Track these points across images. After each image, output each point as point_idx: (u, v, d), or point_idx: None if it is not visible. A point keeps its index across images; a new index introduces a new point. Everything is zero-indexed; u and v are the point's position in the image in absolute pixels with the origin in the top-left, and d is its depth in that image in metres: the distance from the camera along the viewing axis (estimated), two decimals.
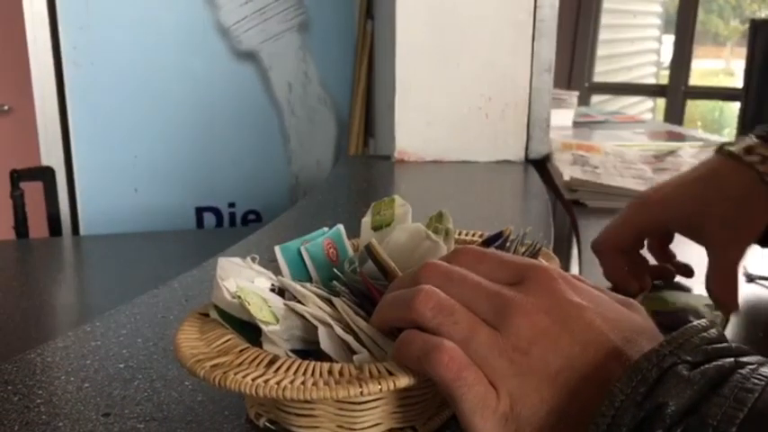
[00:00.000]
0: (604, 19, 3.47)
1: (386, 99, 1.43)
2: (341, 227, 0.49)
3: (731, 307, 0.55)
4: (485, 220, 0.92)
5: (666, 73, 3.41)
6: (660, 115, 3.44)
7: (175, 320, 0.56)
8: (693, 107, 3.51)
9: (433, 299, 0.33)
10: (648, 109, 3.70)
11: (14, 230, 1.71)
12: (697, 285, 0.60)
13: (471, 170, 1.27)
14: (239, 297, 0.38)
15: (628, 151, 1.23)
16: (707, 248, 0.55)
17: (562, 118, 1.67)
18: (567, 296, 0.33)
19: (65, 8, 1.77)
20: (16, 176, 1.71)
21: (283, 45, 1.98)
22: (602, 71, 3.56)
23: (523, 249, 0.46)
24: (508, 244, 0.45)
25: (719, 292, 0.54)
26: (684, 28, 3.26)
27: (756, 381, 0.27)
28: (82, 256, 1.65)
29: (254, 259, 0.44)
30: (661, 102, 3.48)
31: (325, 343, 0.37)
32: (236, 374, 0.34)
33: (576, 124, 1.74)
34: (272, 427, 0.39)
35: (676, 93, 3.30)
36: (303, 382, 0.33)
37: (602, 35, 3.49)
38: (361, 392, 0.33)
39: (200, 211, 2.01)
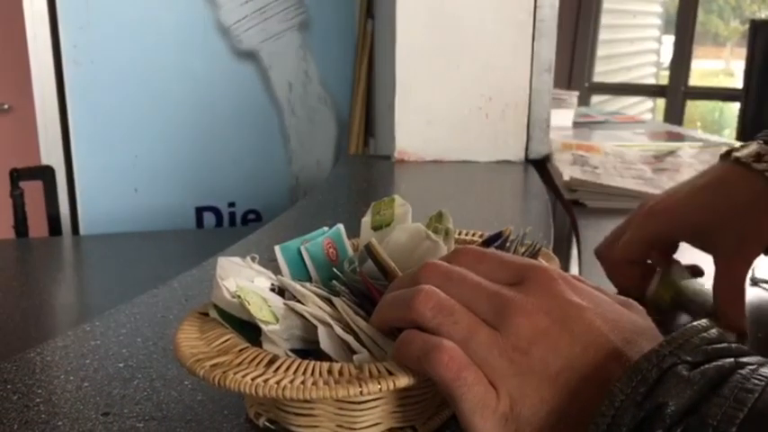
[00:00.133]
0: (604, 19, 3.47)
1: (386, 99, 1.43)
2: (341, 226, 0.49)
3: (738, 322, 0.53)
4: (485, 220, 0.92)
5: (666, 73, 3.41)
6: (660, 116, 3.44)
7: (175, 320, 0.56)
8: (693, 107, 3.51)
9: (433, 299, 0.33)
10: (648, 109, 3.70)
11: (14, 230, 1.71)
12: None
13: (471, 170, 1.27)
14: (239, 296, 0.38)
15: (628, 151, 1.23)
16: (715, 259, 0.54)
17: (562, 118, 1.67)
18: (567, 296, 0.33)
19: (65, 7, 1.77)
20: (16, 176, 1.71)
21: (284, 44, 1.98)
22: (602, 71, 3.56)
23: (523, 249, 0.46)
24: (508, 244, 0.45)
25: (726, 305, 0.53)
26: (684, 28, 3.26)
27: (756, 381, 0.27)
28: (82, 256, 1.64)
29: (253, 259, 0.44)
30: (661, 102, 3.48)
31: (324, 343, 0.37)
32: (235, 374, 0.34)
33: (576, 124, 1.74)
34: (272, 426, 0.39)
35: (676, 93, 3.30)
36: (303, 382, 0.33)
37: (602, 35, 3.49)
38: (361, 392, 0.33)
39: (199, 211, 2.00)
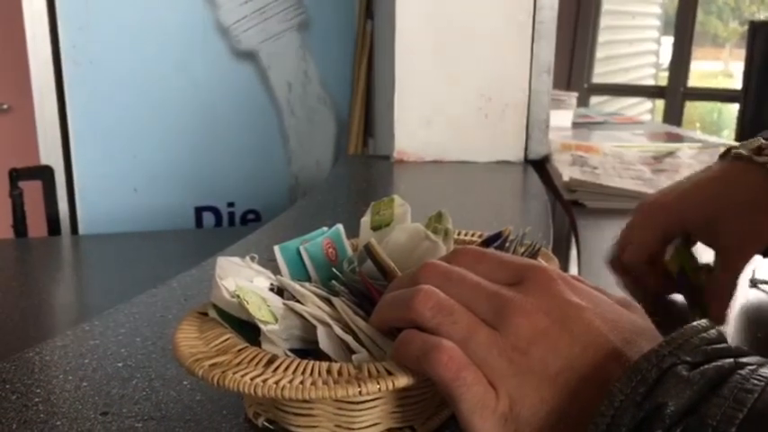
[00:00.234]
0: (604, 20, 3.47)
1: (385, 99, 1.43)
2: (340, 227, 0.49)
3: (719, 313, 0.53)
4: (484, 220, 0.92)
5: (665, 74, 3.41)
6: (659, 116, 3.44)
7: (174, 320, 0.56)
8: (692, 108, 3.52)
9: (433, 299, 0.33)
10: (647, 110, 3.70)
11: (13, 229, 1.71)
12: None
13: (470, 170, 1.27)
14: (238, 296, 0.38)
15: (627, 152, 1.23)
16: (718, 254, 0.54)
17: (561, 119, 1.67)
18: (567, 296, 0.33)
19: (64, 6, 1.77)
20: (15, 175, 1.71)
21: (283, 44, 1.98)
22: (602, 72, 3.56)
23: (522, 250, 0.46)
24: (507, 244, 0.45)
25: (714, 297, 0.54)
26: (683, 29, 3.26)
27: (756, 381, 0.27)
28: (81, 256, 1.64)
29: (253, 259, 0.44)
30: (660, 103, 3.48)
31: (324, 343, 0.37)
32: (234, 374, 0.34)
33: (576, 125, 1.74)
34: (271, 426, 0.39)
35: (675, 94, 3.30)
36: (302, 382, 0.33)
37: (602, 36, 3.49)
38: (360, 392, 0.33)
39: (199, 211, 2.00)
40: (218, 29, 1.91)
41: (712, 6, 3.86)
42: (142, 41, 1.85)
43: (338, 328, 0.37)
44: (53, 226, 1.83)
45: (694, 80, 3.33)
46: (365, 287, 0.40)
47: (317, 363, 0.35)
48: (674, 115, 3.26)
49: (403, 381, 0.33)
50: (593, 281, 0.36)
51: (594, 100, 3.53)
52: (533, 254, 0.46)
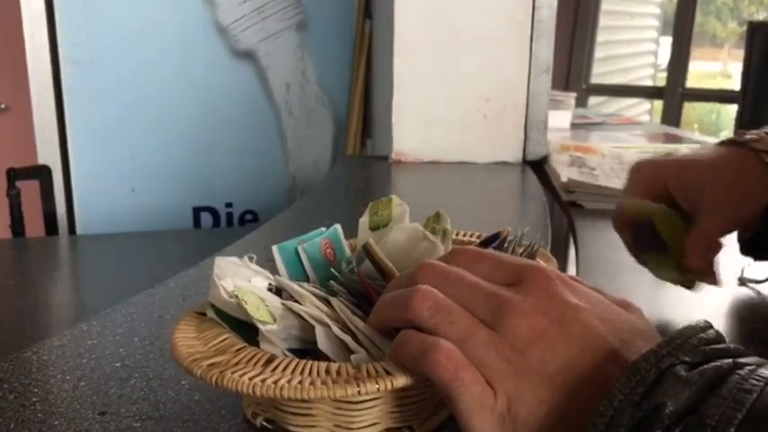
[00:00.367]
0: (602, 21, 3.48)
1: (384, 99, 1.43)
2: (338, 227, 0.49)
3: (702, 271, 0.54)
4: (482, 220, 0.92)
5: (664, 75, 3.42)
6: (657, 117, 3.44)
7: (172, 319, 0.56)
8: (690, 109, 3.52)
9: (431, 299, 0.33)
10: (646, 111, 3.70)
11: (11, 229, 1.71)
12: None
13: (469, 171, 1.27)
14: (236, 296, 0.38)
15: (625, 153, 1.24)
16: (698, 214, 0.55)
17: (560, 119, 1.67)
18: (565, 297, 0.33)
19: (63, 6, 1.77)
20: (13, 175, 1.71)
21: (281, 44, 1.98)
22: (600, 73, 3.56)
23: (521, 250, 0.46)
24: (506, 245, 0.45)
25: (694, 253, 0.54)
26: (682, 30, 3.26)
27: (755, 381, 0.27)
28: (78, 256, 1.64)
29: (251, 259, 0.44)
30: (658, 104, 3.48)
31: (322, 342, 0.37)
32: (233, 373, 0.34)
33: (574, 126, 1.74)
34: (269, 426, 0.39)
35: (673, 95, 3.31)
36: (300, 382, 0.33)
37: (600, 37, 3.49)
38: (359, 392, 0.33)
39: (197, 211, 2.00)
40: (216, 28, 1.91)
41: (711, 7, 3.87)
42: (141, 41, 1.85)
43: (337, 328, 0.37)
44: (50, 226, 1.83)
45: (693, 81, 3.33)
46: (363, 287, 0.40)
47: (316, 363, 0.35)
48: (672, 116, 3.26)
49: (401, 381, 0.33)
50: (591, 281, 0.36)
51: (593, 100, 3.53)
52: (532, 254, 0.46)
